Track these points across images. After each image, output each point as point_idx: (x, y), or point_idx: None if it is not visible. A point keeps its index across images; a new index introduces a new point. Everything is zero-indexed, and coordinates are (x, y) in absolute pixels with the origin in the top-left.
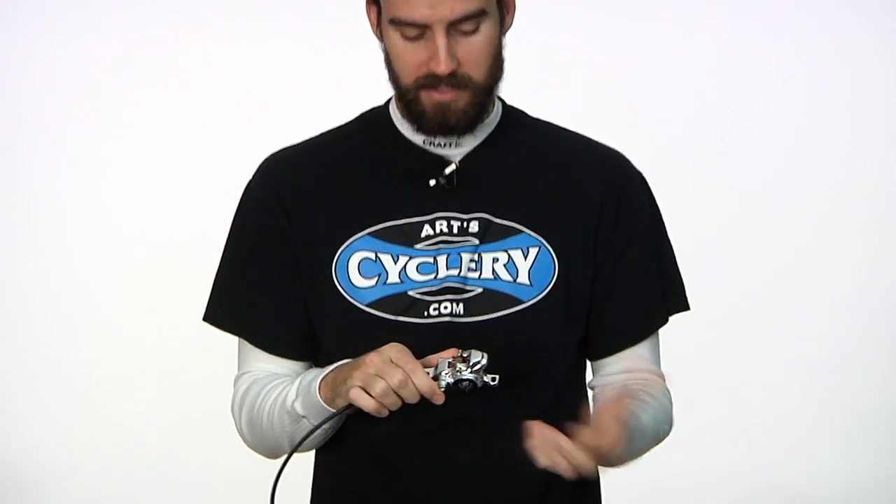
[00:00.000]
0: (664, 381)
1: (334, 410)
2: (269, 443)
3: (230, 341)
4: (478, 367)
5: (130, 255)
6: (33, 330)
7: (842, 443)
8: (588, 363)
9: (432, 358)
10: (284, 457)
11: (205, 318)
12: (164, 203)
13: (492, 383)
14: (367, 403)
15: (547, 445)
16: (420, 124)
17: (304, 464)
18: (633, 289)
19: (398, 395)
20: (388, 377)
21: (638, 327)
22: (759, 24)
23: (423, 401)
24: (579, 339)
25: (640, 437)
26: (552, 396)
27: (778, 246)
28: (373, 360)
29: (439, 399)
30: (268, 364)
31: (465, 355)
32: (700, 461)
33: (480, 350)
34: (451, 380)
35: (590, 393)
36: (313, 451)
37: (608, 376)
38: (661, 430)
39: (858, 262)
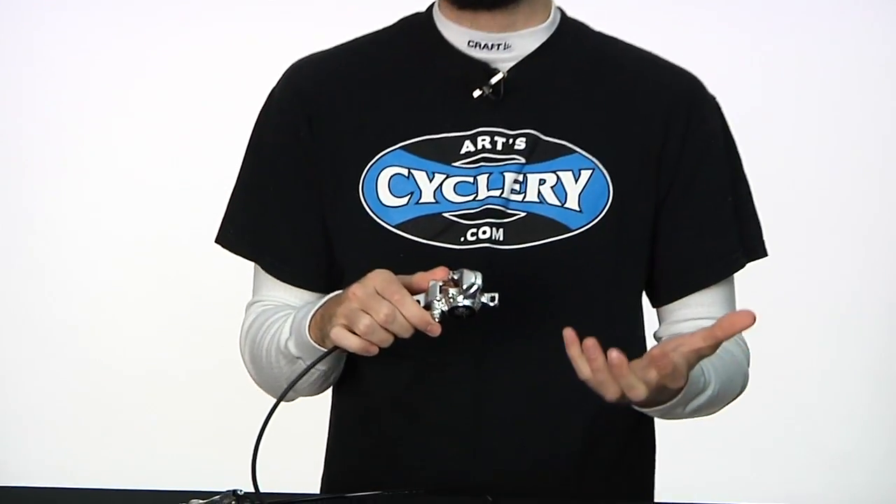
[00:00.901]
0: (741, 338)
1: (324, 351)
2: (271, 383)
3: (206, 294)
4: (473, 289)
5: (110, 208)
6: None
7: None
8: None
9: (421, 278)
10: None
11: (216, 240)
12: (148, 157)
13: (491, 304)
14: (351, 343)
15: (593, 359)
16: None
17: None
18: (704, 224)
19: (388, 331)
20: (372, 311)
21: (709, 268)
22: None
23: (419, 334)
24: (636, 277)
25: (699, 391)
26: (601, 340)
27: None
28: (356, 292)
29: (435, 330)
30: (282, 293)
31: (455, 277)
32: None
33: (474, 270)
34: (445, 308)
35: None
36: (328, 408)
37: (675, 324)
38: (731, 389)
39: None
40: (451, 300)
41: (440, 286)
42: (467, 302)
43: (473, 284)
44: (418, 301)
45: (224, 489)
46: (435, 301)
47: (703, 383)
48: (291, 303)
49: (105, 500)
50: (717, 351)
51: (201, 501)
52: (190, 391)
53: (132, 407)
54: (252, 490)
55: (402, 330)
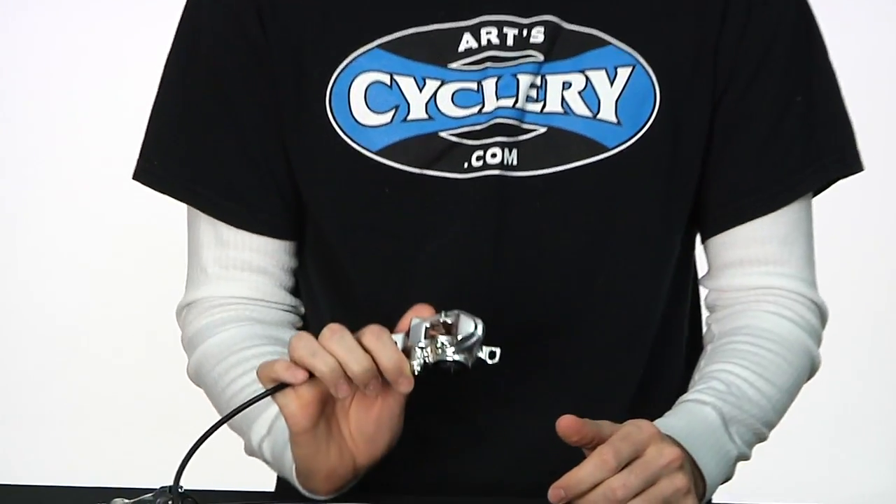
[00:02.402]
0: (806, 296)
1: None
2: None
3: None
4: (470, 340)
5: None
6: None
7: None
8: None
9: (403, 320)
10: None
11: (135, 177)
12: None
13: (489, 361)
14: (291, 376)
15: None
16: None
17: None
18: (763, 133)
19: (344, 369)
20: (332, 343)
21: (764, 192)
22: None
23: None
24: (690, 206)
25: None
26: (651, 296)
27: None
28: (324, 332)
29: (405, 386)
30: (236, 251)
31: (448, 320)
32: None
33: (472, 313)
34: (430, 359)
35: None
36: None
37: (723, 272)
38: (786, 403)
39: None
40: (440, 351)
41: (426, 327)
42: (459, 357)
43: (472, 335)
44: (395, 342)
45: (157, 486)
46: (417, 347)
47: (727, 459)
48: (250, 260)
49: (9, 497)
50: (748, 371)
51: (127, 501)
52: (118, 369)
53: (48, 388)
54: (200, 488)
55: (360, 370)
